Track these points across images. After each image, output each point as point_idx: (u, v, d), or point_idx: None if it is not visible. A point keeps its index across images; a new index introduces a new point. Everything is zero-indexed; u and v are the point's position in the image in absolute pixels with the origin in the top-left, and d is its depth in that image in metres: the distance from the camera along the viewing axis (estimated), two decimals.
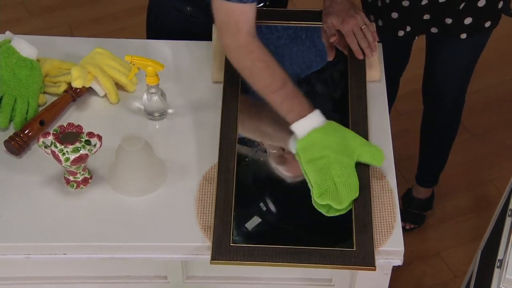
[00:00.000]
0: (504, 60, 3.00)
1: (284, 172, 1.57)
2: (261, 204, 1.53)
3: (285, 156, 1.57)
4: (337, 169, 1.46)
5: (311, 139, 1.47)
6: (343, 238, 1.47)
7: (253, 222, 1.50)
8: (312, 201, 1.48)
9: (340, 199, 1.45)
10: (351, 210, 1.48)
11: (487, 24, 1.93)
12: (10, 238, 1.47)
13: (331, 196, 1.45)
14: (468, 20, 1.89)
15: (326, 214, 1.47)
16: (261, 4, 1.84)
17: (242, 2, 1.46)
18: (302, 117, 1.48)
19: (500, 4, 1.90)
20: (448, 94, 2.18)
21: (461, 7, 1.86)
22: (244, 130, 1.59)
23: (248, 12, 1.48)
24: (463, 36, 1.93)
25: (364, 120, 1.61)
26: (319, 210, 1.47)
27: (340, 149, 1.48)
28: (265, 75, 1.50)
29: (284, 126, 1.52)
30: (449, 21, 1.90)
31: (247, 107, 1.62)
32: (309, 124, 1.48)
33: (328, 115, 1.66)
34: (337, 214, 1.47)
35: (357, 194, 1.46)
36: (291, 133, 1.52)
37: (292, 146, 1.53)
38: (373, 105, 1.68)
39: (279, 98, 1.49)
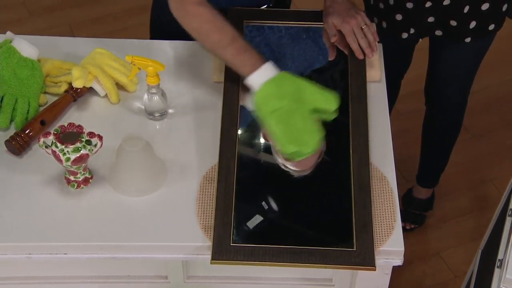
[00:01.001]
0: (504, 60, 3.00)
1: (291, 167, 1.57)
2: (262, 204, 1.53)
3: None
4: (297, 117, 1.46)
5: (267, 91, 1.48)
6: (343, 238, 1.47)
7: (255, 220, 1.50)
8: (275, 150, 1.51)
9: (306, 143, 1.46)
10: (351, 210, 1.49)
11: (491, 27, 1.93)
12: (11, 238, 1.47)
13: (298, 143, 1.46)
14: (472, 24, 1.89)
15: (295, 159, 1.48)
16: (265, 6, 1.84)
17: None
18: (255, 69, 1.48)
19: (504, 7, 1.90)
20: (450, 96, 2.18)
21: (465, 10, 1.86)
22: None
23: None
24: (468, 39, 1.93)
25: (364, 120, 1.61)
26: (287, 157, 1.49)
27: (296, 97, 1.48)
28: (213, 34, 1.52)
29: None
30: (453, 23, 1.90)
31: None
32: (262, 76, 1.48)
33: None
34: (304, 156, 1.47)
35: (319, 136, 1.47)
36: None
37: (249, 103, 1.53)
38: (373, 105, 1.68)
39: (229, 53, 1.51)
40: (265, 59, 1.51)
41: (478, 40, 1.96)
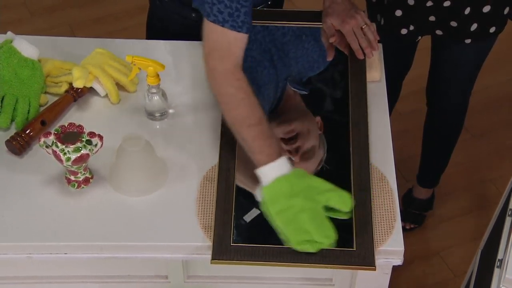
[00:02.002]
0: (504, 60, 3.00)
1: None
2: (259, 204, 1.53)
3: (291, 160, 1.57)
4: (306, 217, 1.41)
5: (278, 188, 1.41)
6: (343, 238, 1.47)
7: (252, 213, 1.50)
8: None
9: (317, 243, 1.42)
10: (351, 210, 1.49)
11: (492, 29, 1.92)
12: (11, 238, 1.48)
13: (309, 245, 1.42)
14: (473, 26, 1.89)
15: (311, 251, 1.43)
16: (261, 6, 1.84)
17: (235, 30, 1.43)
18: (271, 160, 1.41)
19: (506, 10, 1.90)
20: (451, 97, 2.18)
21: (466, 12, 1.85)
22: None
23: (241, 39, 1.45)
24: (468, 41, 1.93)
25: (364, 121, 1.62)
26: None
27: (307, 195, 1.42)
28: (245, 106, 1.44)
29: (252, 172, 1.46)
30: (454, 24, 1.89)
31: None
32: (276, 170, 1.42)
33: (328, 115, 1.67)
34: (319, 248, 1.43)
35: (332, 234, 1.42)
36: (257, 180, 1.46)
37: (259, 194, 1.47)
38: (373, 105, 1.68)
39: (252, 134, 1.43)
40: (281, 153, 1.44)
41: (479, 42, 1.96)
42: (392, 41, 1.90)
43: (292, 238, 1.41)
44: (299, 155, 1.57)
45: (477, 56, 2.05)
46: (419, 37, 1.99)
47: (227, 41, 1.44)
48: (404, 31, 1.94)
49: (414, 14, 1.90)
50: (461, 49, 1.99)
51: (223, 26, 1.43)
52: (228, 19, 1.42)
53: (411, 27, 1.93)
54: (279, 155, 1.43)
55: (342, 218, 1.45)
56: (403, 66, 2.21)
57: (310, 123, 1.64)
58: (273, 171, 1.42)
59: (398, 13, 1.91)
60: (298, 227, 1.41)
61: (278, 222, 1.42)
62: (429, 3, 1.86)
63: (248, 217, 1.50)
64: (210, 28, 1.45)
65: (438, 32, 1.94)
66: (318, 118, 1.65)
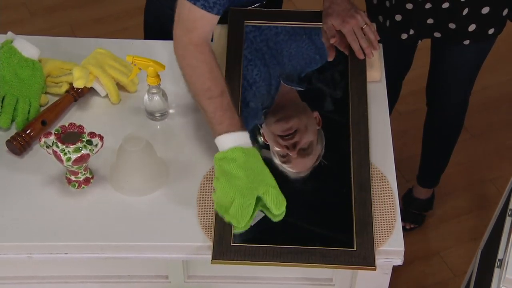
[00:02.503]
0: (503, 60, 3.00)
1: (288, 168, 1.57)
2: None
3: (289, 155, 1.57)
4: (237, 195, 1.40)
5: (232, 155, 1.41)
6: (343, 238, 1.47)
7: (257, 217, 1.50)
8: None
9: (237, 220, 1.41)
10: (351, 210, 1.49)
11: (491, 31, 1.92)
12: (11, 238, 1.48)
13: (230, 215, 1.41)
14: (472, 27, 1.89)
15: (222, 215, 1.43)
16: (257, 4, 1.84)
17: (205, 10, 1.47)
18: (230, 131, 1.43)
19: (505, 12, 1.90)
20: (451, 98, 2.18)
21: (464, 13, 1.85)
22: None
23: (209, 19, 1.49)
24: (466, 42, 1.93)
25: (364, 120, 1.62)
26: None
27: (252, 176, 1.41)
28: (206, 78, 1.47)
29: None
30: (452, 26, 1.89)
31: None
32: (233, 141, 1.43)
33: (328, 115, 1.67)
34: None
35: (242, 225, 1.41)
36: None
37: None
38: (374, 105, 1.69)
39: (213, 105, 1.46)
40: (245, 127, 1.46)
41: (478, 43, 1.96)
42: (392, 42, 1.90)
43: (221, 202, 1.41)
44: (296, 151, 1.57)
45: (477, 57, 2.05)
46: (419, 41, 1.99)
47: (194, 18, 1.49)
48: (404, 36, 1.94)
49: (413, 17, 1.90)
50: (460, 50, 1.99)
51: (194, 4, 1.47)
52: None
53: (411, 31, 1.93)
54: (240, 128, 1.45)
55: (269, 217, 1.44)
56: (403, 66, 2.21)
57: (307, 118, 1.64)
58: (231, 141, 1.43)
59: (398, 17, 1.91)
60: (225, 198, 1.40)
61: (221, 181, 1.41)
62: (427, 5, 1.86)
63: (252, 220, 1.50)
64: (182, 3, 1.49)
65: (437, 34, 1.94)
66: (316, 113, 1.65)
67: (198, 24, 1.49)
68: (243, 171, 1.41)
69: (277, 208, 1.43)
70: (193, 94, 1.51)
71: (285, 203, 1.43)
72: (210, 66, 1.49)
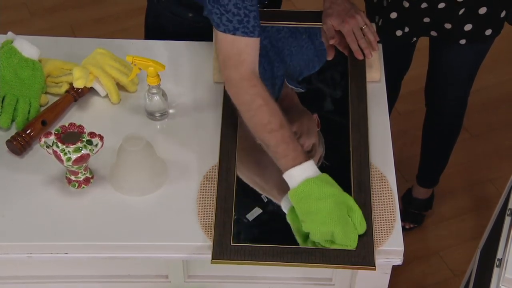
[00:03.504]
0: (502, 60, 3.00)
1: None
2: (262, 203, 1.53)
3: None
4: (334, 222, 1.40)
5: (307, 190, 1.40)
6: None
7: (254, 213, 1.50)
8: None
9: (349, 238, 1.42)
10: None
11: (488, 32, 1.92)
12: (12, 237, 1.48)
13: (339, 243, 1.42)
14: (468, 27, 1.89)
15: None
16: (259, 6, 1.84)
17: (247, 35, 1.43)
18: (297, 164, 1.41)
19: (503, 13, 1.90)
20: (450, 98, 2.18)
21: (460, 12, 1.86)
22: (241, 174, 1.54)
23: (252, 45, 1.45)
24: (462, 42, 1.93)
25: (364, 121, 1.62)
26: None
27: (336, 201, 1.41)
28: (264, 113, 1.44)
29: (277, 181, 1.45)
30: (448, 26, 1.90)
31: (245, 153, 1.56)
32: (304, 172, 1.41)
33: (328, 116, 1.67)
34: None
35: (356, 238, 1.42)
36: (283, 190, 1.46)
37: (285, 205, 1.48)
38: (373, 106, 1.69)
39: (275, 139, 1.43)
40: (308, 156, 1.44)
41: (475, 44, 1.95)
42: (390, 42, 1.90)
43: (323, 242, 1.41)
44: None
45: (474, 58, 2.05)
46: (414, 39, 1.99)
47: (239, 49, 1.44)
48: (399, 33, 1.95)
49: (409, 16, 1.90)
50: (458, 50, 1.99)
51: (234, 34, 1.43)
52: (238, 26, 1.42)
53: (406, 29, 1.93)
54: (305, 158, 1.42)
55: (342, 245, 1.43)
56: (402, 66, 2.21)
57: (309, 121, 1.65)
58: (300, 174, 1.41)
59: (393, 15, 1.91)
60: (327, 232, 1.40)
61: (308, 224, 1.40)
62: (423, 5, 1.86)
63: (251, 216, 1.50)
64: (221, 38, 1.45)
65: (433, 33, 1.94)
66: (315, 116, 1.65)
67: (245, 54, 1.45)
68: (323, 202, 1.40)
69: (360, 228, 1.43)
70: (253, 130, 1.46)
71: (365, 222, 1.43)
72: (265, 99, 1.44)
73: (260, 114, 1.44)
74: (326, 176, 1.44)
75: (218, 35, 1.46)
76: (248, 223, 1.50)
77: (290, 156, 1.42)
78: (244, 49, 1.45)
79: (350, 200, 1.44)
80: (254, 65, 1.46)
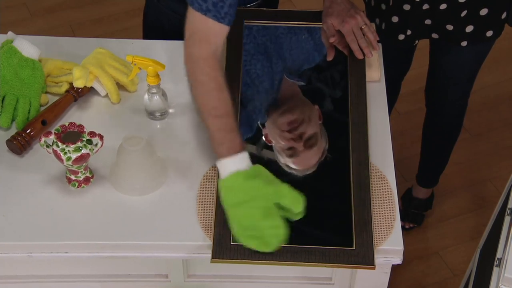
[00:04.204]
0: (502, 60, 3.01)
1: (294, 165, 1.57)
2: None
3: (296, 148, 1.57)
4: (260, 213, 1.43)
5: (233, 183, 1.43)
6: (343, 237, 1.47)
7: None
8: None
9: (267, 243, 1.43)
10: (351, 209, 1.49)
11: (489, 33, 1.92)
12: (12, 237, 1.48)
13: (258, 242, 1.43)
14: (469, 28, 1.89)
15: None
16: (254, 3, 1.84)
17: (217, 21, 1.45)
18: (230, 154, 1.44)
19: (504, 15, 1.90)
20: (450, 99, 2.18)
21: (462, 14, 1.85)
22: None
23: (221, 30, 1.47)
24: (464, 43, 1.93)
25: (364, 120, 1.62)
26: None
27: (262, 192, 1.43)
28: (213, 97, 1.46)
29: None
30: (450, 27, 1.90)
31: None
32: (234, 164, 1.44)
33: (328, 115, 1.67)
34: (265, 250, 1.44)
35: (283, 235, 1.43)
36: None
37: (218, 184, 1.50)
38: (373, 105, 1.69)
39: (217, 125, 1.46)
40: (243, 148, 1.46)
41: (476, 45, 1.95)
42: (390, 45, 1.90)
43: (240, 233, 1.43)
44: (303, 142, 1.57)
45: (475, 59, 2.05)
46: (417, 42, 1.99)
47: (207, 29, 1.47)
48: (401, 37, 1.95)
49: (411, 18, 1.90)
50: (458, 51, 1.99)
51: (205, 15, 1.45)
52: (211, 8, 1.44)
53: (408, 32, 1.93)
54: (240, 150, 1.45)
55: (292, 219, 1.46)
56: (402, 68, 2.21)
57: (310, 111, 1.65)
58: (231, 165, 1.44)
59: (395, 19, 1.91)
60: (249, 223, 1.43)
61: (232, 215, 1.44)
62: (425, 6, 1.86)
63: None
64: (192, 14, 1.47)
65: (434, 35, 1.94)
66: (316, 107, 1.66)
67: (212, 37, 1.47)
68: (247, 195, 1.43)
69: (297, 206, 1.44)
70: (198, 109, 1.50)
71: (301, 198, 1.44)
72: (219, 84, 1.47)
73: (210, 97, 1.47)
74: (258, 168, 1.46)
75: (190, 10, 1.48)
76: None
77: (226, 145, 1.45)
78: (211, 30, 1.47)
79: (280, 190, 1.44)
80: (217, 48, 1.48)
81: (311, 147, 1.56)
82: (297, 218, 1.46)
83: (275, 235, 1.43)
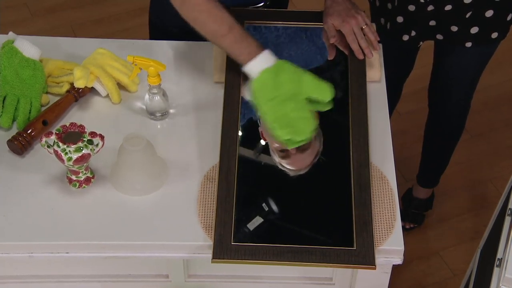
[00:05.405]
0: (503, 60, 3.01)
1: (287, 165, 1.58)
2: (262, 203, 1.54)
3: (288, 150, 1.58)
4: (291, 105, 1.49)
5: (264, 79, 1.51)
6: (343, 237, 1.47)
7: (255, 222, 1.51)
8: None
9: (299, 131, 1.49)
10: (351, 209, 1.49)
11: (494, 35, 1.92)
12: (12, 237, 1.48)
13: (292, 130, 1.48)
14: (474, 30, 1.89)
15: (289, 147, 1.51)
16: (262, 4, 1.85)
17: None
18: (253, 58, 1.51)
19: (509, 17, 1.89)
20: (453, 100, 2.18)
21: (467, 16, 1.85)
22: None
23: None
24: (468, 44, 1.93)
25: (364, 121, 1.62)
26: (283, 142, 1.50)
27: (292, 86, 1.51)
28: (210, 23, 1.54)
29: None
30: (454, 29, 1.89)
31: None
32: (260, 64, 1.51)
33: (328, 115, 1.67)
34: (298, 145, 1.50)
35: (314, 125, 1.50)
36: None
37: (247, 93, 1.58)
38: (373, 105, 1.69)
39: (227, 42, 1.54)
40: (263, 48, 1.53)
41: (481, 46, 1.95)
42: (393, 46, 1.90)
43: (277, 124, 1.49)
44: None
45: (479, 61, 2.05)
46: (421, 43, 1.99)
47: None
48: (405, 37, 1.95)
49: (415, 19, 1.90)
50: (463, 53, 1.99)
51: None
52: None
53: (413, 33, 1.93)
54: (260, 50, 1.52)
55: (322, 109, 1.53)
56: (404, 71, 2.21)
57: None
58: (257, 66, 1.51)
59: (400, 19, 1.91)
60: (284, 115, 1.49)
61: (266, 110, 1.50)
62: (430, 7, 1.85)
63: (252, 225, 1.50)
64: None
65: (439, 36, 1.94)
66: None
67: None
68: (278, 89, 1.49)
69: (325, 95, 1.52)
70: (208, 38, 1.57)
71: (329, 86, 1.52)
72: (210, 12, 1.54)
73: (208, 25, 1.55)
74: (282, 63, 1.53)
75: None
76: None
77: (245, 53, 1.53)
78: None
79: (307, 83, 1.51)
80: None
81: (304, 150, 1.57)
82: (326, 108, 1.53)
83: (306, 124, 1.49)
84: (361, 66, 1.71)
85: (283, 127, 1.48)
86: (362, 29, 1.69)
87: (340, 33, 1.71)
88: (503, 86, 2.97)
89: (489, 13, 1.85)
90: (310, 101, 1.51)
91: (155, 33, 1.96)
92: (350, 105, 1.64)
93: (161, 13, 1.90)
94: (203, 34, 1.57)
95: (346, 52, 1.73)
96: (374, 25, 1.74)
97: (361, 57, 1.70)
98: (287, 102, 1.49)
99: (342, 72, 1.73)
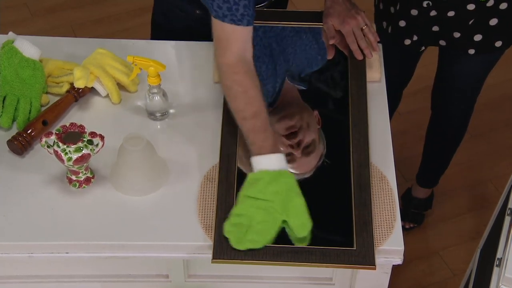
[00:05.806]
0: (504, 61, 2.99)
1: (292, 169, 1.58)
2: None
3: (293, 154, 1.58)
4: (263, 217, 1.44)
5: (257, 178, 1.46)
6: (343, 237, 1.47)
7: None
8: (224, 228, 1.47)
9: (245, 240, 1.44)
10: (351, 209, 1.49)
11: (498, 43, 1.90)
12: (12, 237, 1.48)
13: (239, 233, 1.44)
14: (477, 37, 1.87)
15: (231, 241, 1.45)
16: (262, 4, 1.85)
17: (234, 23, 1.47)
18: (261, 154, 1.47)
19: None
20: (456, 104, 2.18)
21: (470, 22, 1.84)
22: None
23: (240, 33, 1.48)
24: (471, 51, 1.91)
25: (364, 120, 1.62)
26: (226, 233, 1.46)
27: (277, 201, 1.45)
28: (240, 100, 1.50)
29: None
30: (457, 35, 1.88)
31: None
32: (264, 163, 1.46)
33: (328, 115, 1.67)
34: (237, 246, 1.44)
35: (261, 246, 1.44)
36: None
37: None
38: (373, 106, 1.69)
39: (246, 127, 1.49)
40: (277, 149, 1.48)
41: (485, 54, 1.94)
42: (395, 50, 1.90)
43: (231, 218, 1.45)
44: (300, 149, 1.58)
45: (483, 68, 2.04)
46: (423, 48, 1.98)
47: (227, 35, 1.49)
48: (407, 42, 1.94)
49: (418, 24, 1.89)
50: (466, 60, 1.98)
51: (223, 21, 1.47)
52: (227, 13, 1.46)
53: (415, 37, 1.92)
54: (271, 150, 1.47)
55: (294, 242, 1.46)
56: (405, 77, 2.21)
57: (309, 117, 1.65)
58: (261, 163, 1.47)
59: (402, 23, 1.91)
60: (247, 218, 1.44)
61: (239, 202, 1.46)
62: (432, 13, 1.85)
63: None
64: (214, 22, 1.50)
65: (442, 42, 1.93)
66: (315, 112, 1.66)
67: (232, 41, 1.49)
68: (263, 195, 1.44)
69: (300, 231, 1.44)
70: (232, 111, 1.53)
71: (309, 229, 1.44)
72: (245, 86, 1.49)
73: (237, 100, 1.50)
74: (285, 174, 1.46)
75: (212, 20, 1.50)
76: None
77: (258, 145, 1.47)
78: (231, 35, 1.49)
79: (293, 208, 1.44)
80: (241, 52, 1.50)
81: (309, 154, 1.57)
82: (299, 244, 1.45)
83: (259, 241, 1.43)
84: (361, 66, 1.71)
85: (234, 226, 1.44)
86: (362, 29, 1.69)
87: (340, 34, 1.71)
88: (503, 86, 2.96)
89: (493, 22, 1.84)
90: (286, 223, 1.45)
91: (158, 33, 1.95)
92: (350, 105, 1.64)
93: (167, 13, 1.90)
94: (229, 105, 1.52)
95: (346, 53, 1.73)
96: (374, 25, 1.74)
97: (360, 57, 1.70)
98: (262, 211, 1.44)
99: (342, 72, 1.73)
